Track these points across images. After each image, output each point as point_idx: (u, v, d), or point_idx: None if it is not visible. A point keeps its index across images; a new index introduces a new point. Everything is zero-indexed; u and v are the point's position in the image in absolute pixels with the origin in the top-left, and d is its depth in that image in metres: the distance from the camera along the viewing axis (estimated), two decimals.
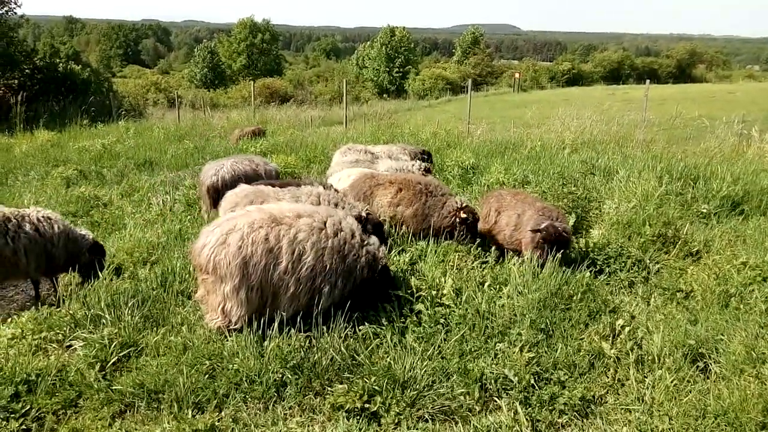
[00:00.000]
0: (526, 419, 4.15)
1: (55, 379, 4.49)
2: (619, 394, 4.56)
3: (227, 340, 4.88)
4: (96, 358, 4.68)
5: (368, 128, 18.38)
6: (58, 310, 5.47)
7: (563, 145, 12.58)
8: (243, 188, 6.39)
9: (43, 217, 6.13)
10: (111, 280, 5.89)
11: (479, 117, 21.41)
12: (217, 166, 8.93)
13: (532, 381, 4.48)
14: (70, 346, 5.03)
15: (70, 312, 5.29)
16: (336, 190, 6.80)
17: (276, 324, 4.89)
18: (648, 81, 17.15)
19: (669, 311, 5.79)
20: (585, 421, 4.28)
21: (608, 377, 4.72)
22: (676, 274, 6.58)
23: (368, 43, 75.06)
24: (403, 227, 7.28)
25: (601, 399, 4.53)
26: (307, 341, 4.83)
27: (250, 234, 4.90)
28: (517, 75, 57.41)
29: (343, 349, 4.70)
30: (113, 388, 4.38)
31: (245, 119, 22.32)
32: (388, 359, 4.61)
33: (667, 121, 19.33)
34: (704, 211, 8.37)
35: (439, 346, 4.84)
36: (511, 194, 7.32)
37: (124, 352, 4.82)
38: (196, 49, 69.75)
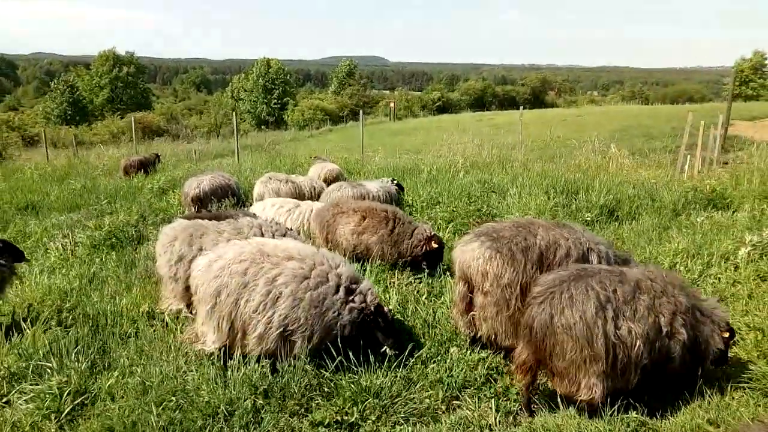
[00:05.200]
0: (486, 411, 4.63)
1: None
2: None
3: (186, 374, 4.84)
4: (48, 409, 4.42)
5: (262, 159, 18.33)
6: None
7: (457, 168, 13.60)
8: (180, 222, 6.28)
9: None
10: (44, 329, 5.50)
11: (365, 145, 22.26)
12: (198, 180, 10.66)
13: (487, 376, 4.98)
14: (8, 402, 4.68)
15: (5, 366, 4.90)
16: (277, 222, 6.90)
17: (238, 354, 4.94)
18: (522, 108, 19.16)
19: None
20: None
21: None
22: None
23: (242, 75, 74.24)
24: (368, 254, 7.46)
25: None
26: (271, 367, 4.92)
27: (231, 264, 4.96)
28: (392, 104, 59.88)
29: (311, 369, 4.86)
30: None
31: (127, 156, 21.16)
32: (358, 373, 4.85)
33: (534, 143, 21.58)
34: (588, 218, 9.59)
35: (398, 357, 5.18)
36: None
37: (78, 400, 4.59)
38: (53, 83, 64.35)
